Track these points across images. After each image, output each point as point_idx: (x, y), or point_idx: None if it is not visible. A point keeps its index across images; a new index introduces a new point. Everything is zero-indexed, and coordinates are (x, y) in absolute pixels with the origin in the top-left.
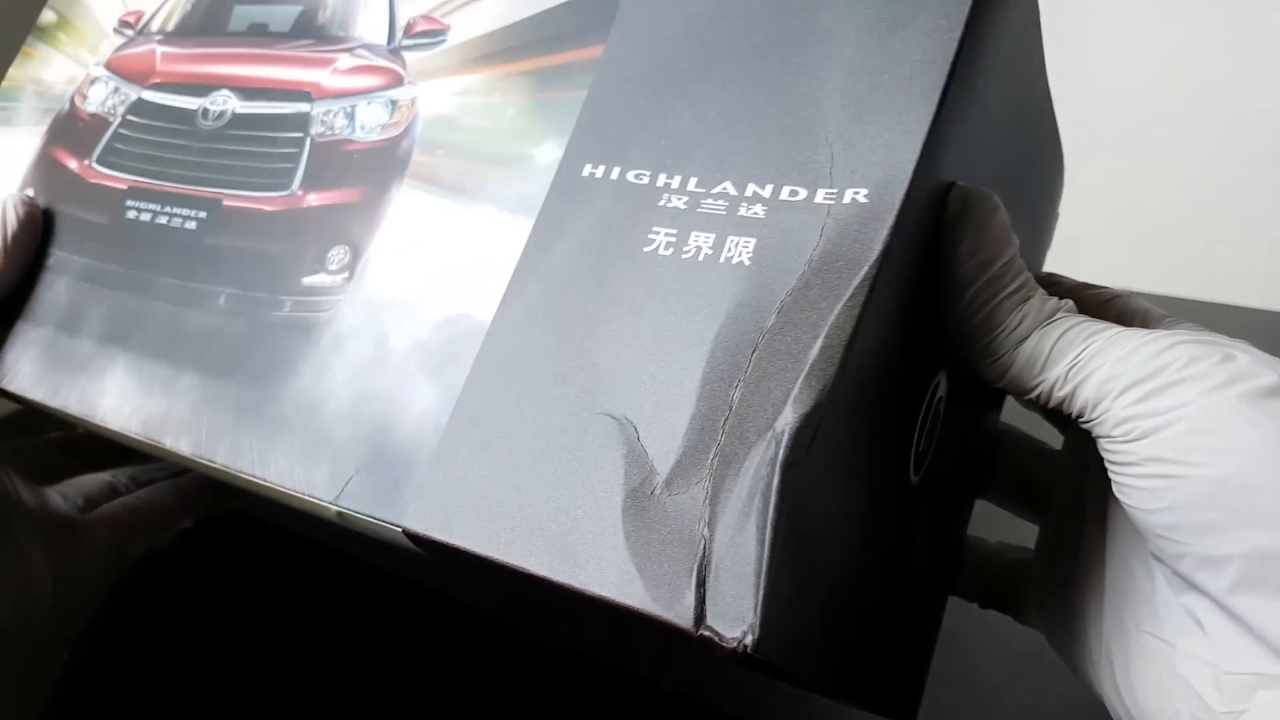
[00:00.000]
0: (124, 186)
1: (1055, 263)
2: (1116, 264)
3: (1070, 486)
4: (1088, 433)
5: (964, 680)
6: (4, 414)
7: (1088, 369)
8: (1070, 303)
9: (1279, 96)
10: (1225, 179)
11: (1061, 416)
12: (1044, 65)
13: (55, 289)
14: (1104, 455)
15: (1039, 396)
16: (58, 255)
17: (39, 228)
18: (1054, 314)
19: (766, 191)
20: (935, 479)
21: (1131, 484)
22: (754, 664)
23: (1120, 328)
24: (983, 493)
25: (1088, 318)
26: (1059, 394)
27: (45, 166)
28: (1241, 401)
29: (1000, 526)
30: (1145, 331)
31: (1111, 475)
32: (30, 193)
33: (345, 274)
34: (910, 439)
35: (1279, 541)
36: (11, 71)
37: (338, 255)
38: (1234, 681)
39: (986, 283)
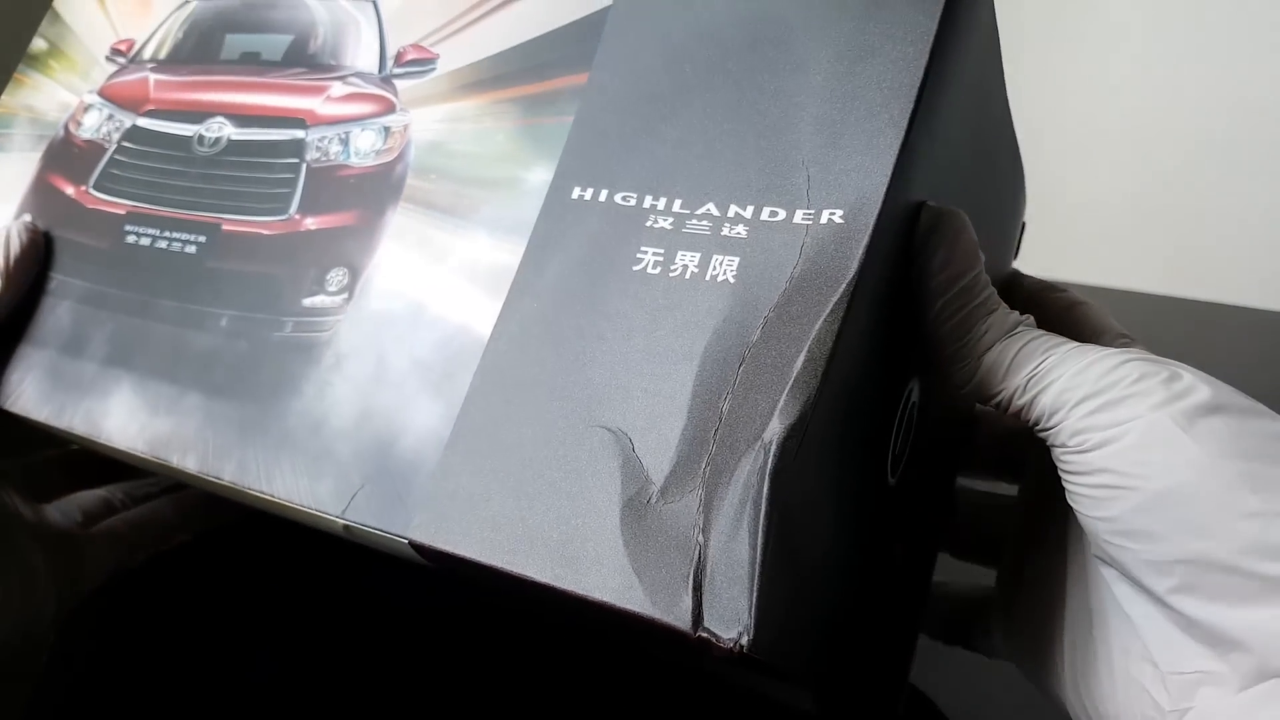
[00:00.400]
0: (122, 211)
1: (1057, 261)
2: (1117, 264)
3: (1032, 514)
4: (1046, 445)
5: (953, 678)
6: None
7: (1045, 380)
8: (1030, 317)
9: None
10: (1226, 179)
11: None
12: (1004, 83)
13: (57, 312)
14: (1058, 465)
15: (1000, 404)
16: (58, 279)
17: (41, 253)
18: (1015, 327)
19: (748, 212)
20: (911, 482)
21: (1084, 493)
22: (748, 663)
23: (1075, 343)
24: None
25: (1046, 332)
26: (1019, 402)
27: (42, 192)
28: (1185, 417)
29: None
30: (1099, 348)
31: (1065, 484)
32: (29, 218)
33: (345, 295)
34: (887, 444)
35: (1214, 550)
36: (4, 99)
37: (337, 277)
38: (1179, 681)
39: (956, 294)
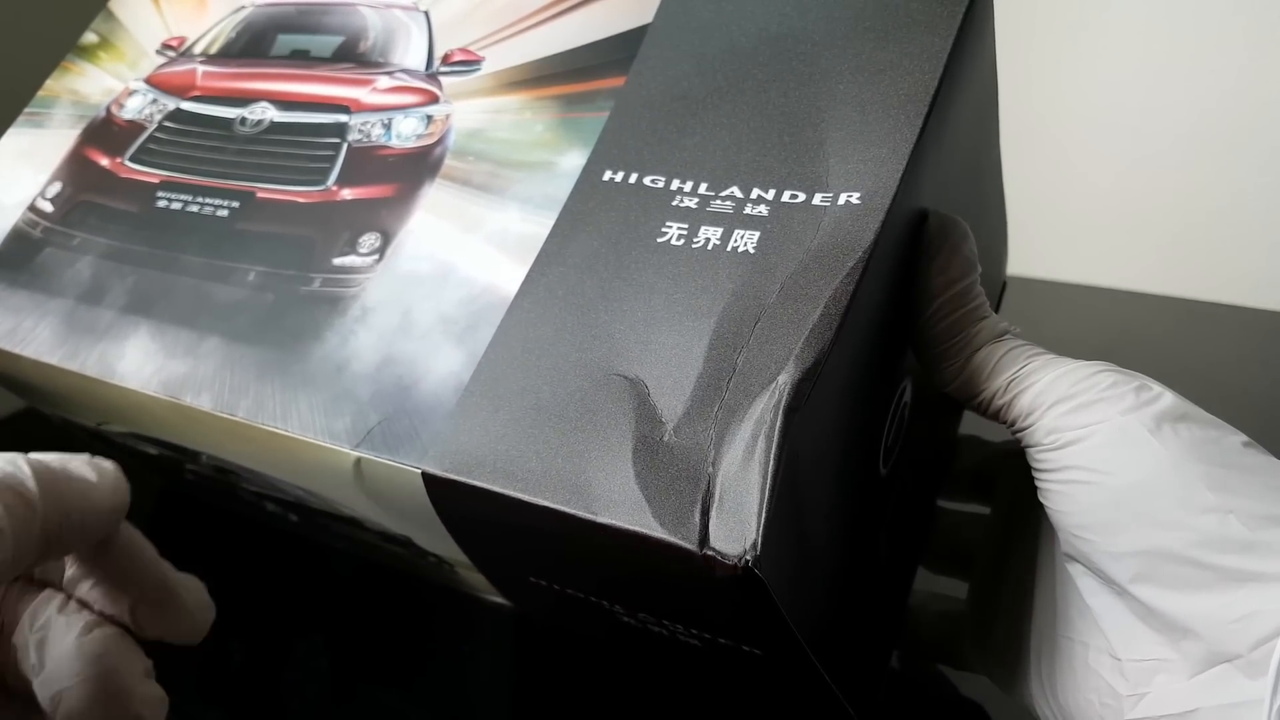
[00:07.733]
0: (156, 180)
1: (1059, 260)
2: (1117, 263)
3: (1004, 528)
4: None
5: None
6: (4, 414)
7: (1025, 383)
8: (1018, 328)
9: (1278, 94)
10: (1225, 178)
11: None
12: (998, 136)
13: (77, 266)
14: (1032, 464)
15: (982, 403)
16: (81, 237)
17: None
18: (1002, 334)
19: (770, 195)
20: (899, 478)
21: (1054, 489)
22: (748, 596)
23: (1054, 354)
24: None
25: (1029, 342)
26: (999, 402)
27: (76, 163)
28: (1153, 421)
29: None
30: (1075, 360)
31: (1037, 481)
32: (58, 186)
33: (375, 256)
34: (881, 432)
35: (1172, 542)
36: (49, 83)
37: (369, 240)
38: (1136, 668)
39: (951, 297)
